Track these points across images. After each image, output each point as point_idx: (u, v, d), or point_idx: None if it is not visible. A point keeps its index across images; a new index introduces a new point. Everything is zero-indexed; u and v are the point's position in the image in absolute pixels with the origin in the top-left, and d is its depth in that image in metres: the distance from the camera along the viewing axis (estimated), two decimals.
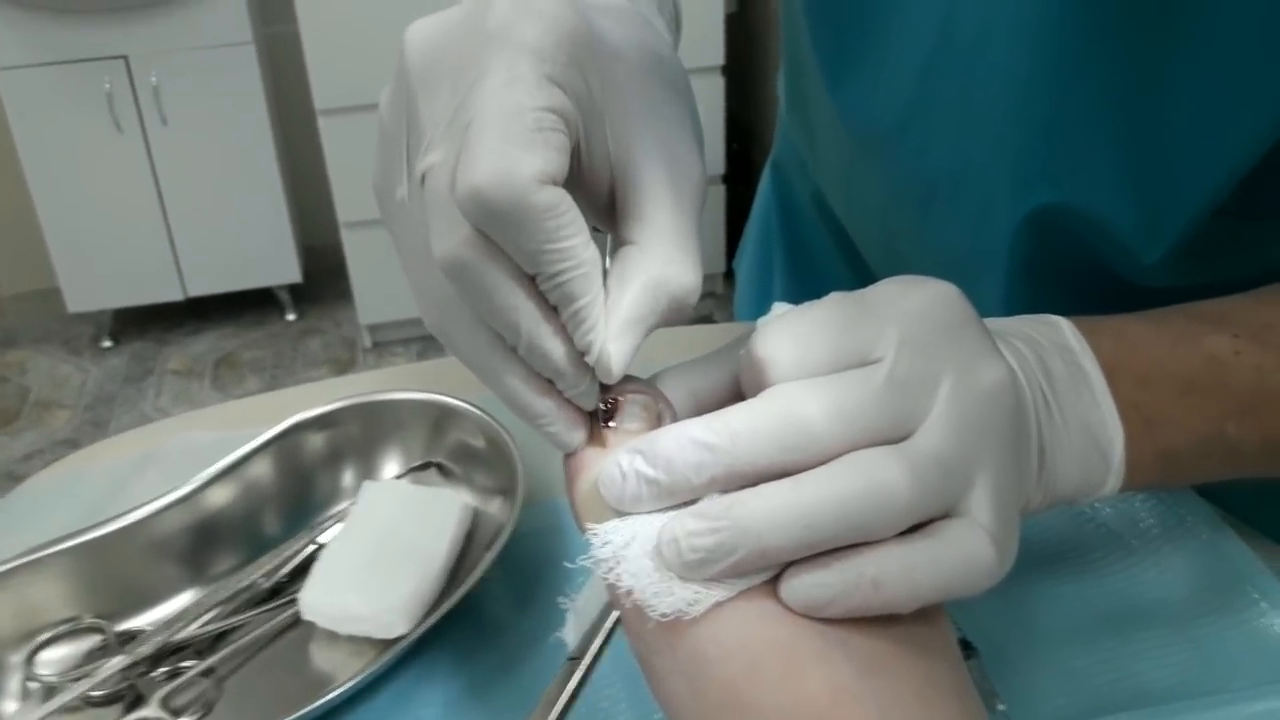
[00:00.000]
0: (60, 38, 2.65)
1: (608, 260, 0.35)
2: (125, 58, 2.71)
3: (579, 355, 0.34)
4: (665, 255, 0.34)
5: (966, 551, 0.32)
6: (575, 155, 0.33)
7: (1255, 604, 0.51)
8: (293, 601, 0.57)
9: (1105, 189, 0.51)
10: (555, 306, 0.33)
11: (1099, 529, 0.57)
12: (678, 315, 0.35)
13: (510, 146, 0.30)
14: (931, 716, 0.31)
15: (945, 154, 0.56)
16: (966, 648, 0.49)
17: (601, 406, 0.36)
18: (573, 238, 0.32)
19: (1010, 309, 0.58)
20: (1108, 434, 0.40)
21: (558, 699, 0.38)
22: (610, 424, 0.35)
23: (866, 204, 0.67)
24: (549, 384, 0.35)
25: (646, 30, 0.38)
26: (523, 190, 0.30)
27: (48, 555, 0.56)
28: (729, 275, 3.09)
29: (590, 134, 0.33)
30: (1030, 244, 0.55)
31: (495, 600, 0.57)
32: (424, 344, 3.08)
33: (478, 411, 0.62)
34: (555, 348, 0.34)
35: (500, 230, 0.31)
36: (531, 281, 0.33)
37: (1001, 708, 0.48)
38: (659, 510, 0.33)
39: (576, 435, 0.36)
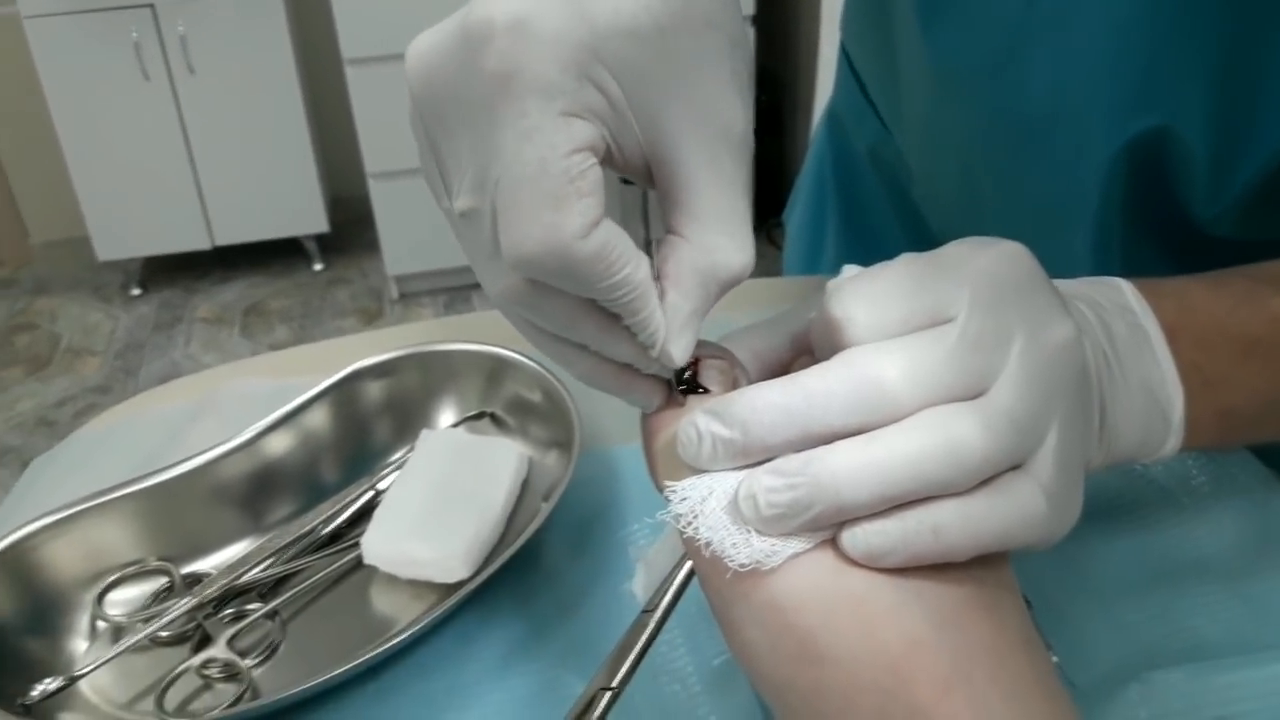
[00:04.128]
0: None
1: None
2: (152, 6, 2.71)
3: (645, 346, 0.35)
4: (710, 243, 0.34)
5: (1021, 503, 0.32)
6: (608, 153, 0.33)
7: None
8: (352, 546, 0.58)
9: (1196, 114, 0.50)
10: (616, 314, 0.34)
11: (1150, 485, 0.57)
12: (731, 288, 0.36)
13: (546, 210, 0.31)
14: (1002, 668, 0.31)
15: (1042, 89, 0.56)
16: None
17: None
18: (624, 269, 0.32)
19: (1100, 255, 0.57)
20: (1168, 393, 0.40)
21: (632, 649, 0.39)
22: (690, 388, 0.36)
23: (947, 150, 0.67)
24: (622, 365, 0.36)
25: None
26: (568, 249, 0.31)
27: (113, 499, 0.57)
28: (757, 229, 3.08)
29: (619, 133, 0.33)
30: (1121, 180, 0.55)
31: (551, 546, 0.58)
32: (450, 295, 3.09)
33: (533, 364, 0.63)
34: (620, 347, 0.35)
35: (552, 281, 0.32)
36: (589, 300, 0.34)
37: (1054, 660, 0.48)
38: (735, 468, 0.33)
39: (655, 400, 0.37)
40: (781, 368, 0.38)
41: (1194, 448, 0.42)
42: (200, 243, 3.07)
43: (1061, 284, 0.41)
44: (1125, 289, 0.42)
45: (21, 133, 3.14)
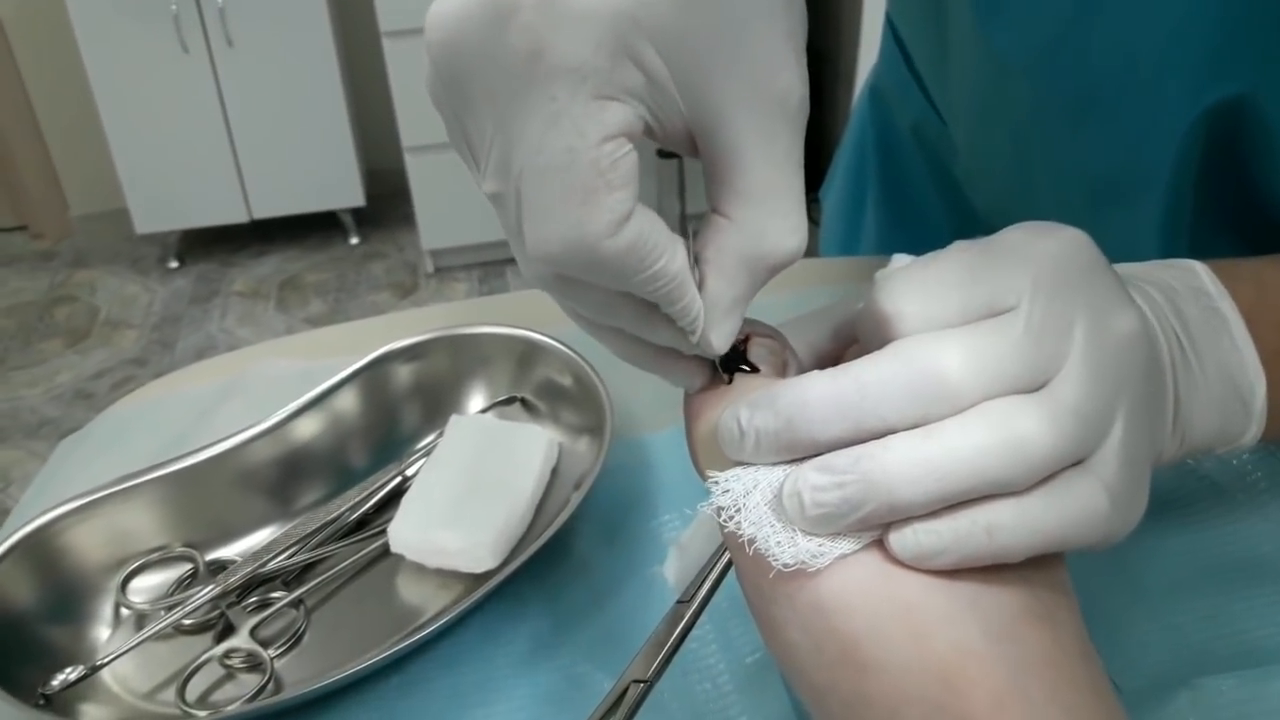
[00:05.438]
0: None
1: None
2: None
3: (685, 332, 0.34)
4: (759, 226, 0.32)
5: (1081, 502, 0.30)
6: (647, 128, 0.31)
7: None
8: (380, 534, 0.57)
9: (1277, 84, 0.47)
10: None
11: (1203, 481, 0.55)
12: (779, 272, 0.34)
13: (572, 206, 0.29)
14: (1060, 681, 0.30)
15: (1108, 59, 0.52)
16: None
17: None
18: (657, 261, 0.31)
19: (1167, 238, 0.55)
20: (1248, 380, 0.38)
21: (666, 641, 0.38)
22: (738, 367, 0.35)
23: (999, 125, 0.64)
24: (663, 346, 0.35)
25: None
26: (595, 247, 0.29)
27: (138, 484, 0.57)
28: None
29: (660, 107, 0.31)
30: (1194, 157, 0.52)
31: (582, 536, 0.57)
32: (485, 269, 3.09)
33: (564, 348, 0.62)
34: (659, 332, 0.34)
35: (581, 277, 0.31)
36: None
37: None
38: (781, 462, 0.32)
39: (698, 382, 0.35)
40: (829, 361, 0.37)
41: (1276, 438, 0.41)
42: (237, 216, 3.08)
43: (1132, 267, 0.39)
44: (1200, 271, 0.40)
45: (61, 106, 3.16)
